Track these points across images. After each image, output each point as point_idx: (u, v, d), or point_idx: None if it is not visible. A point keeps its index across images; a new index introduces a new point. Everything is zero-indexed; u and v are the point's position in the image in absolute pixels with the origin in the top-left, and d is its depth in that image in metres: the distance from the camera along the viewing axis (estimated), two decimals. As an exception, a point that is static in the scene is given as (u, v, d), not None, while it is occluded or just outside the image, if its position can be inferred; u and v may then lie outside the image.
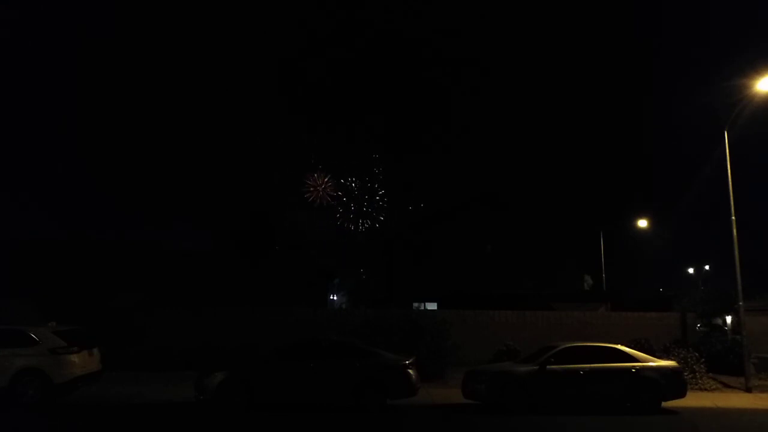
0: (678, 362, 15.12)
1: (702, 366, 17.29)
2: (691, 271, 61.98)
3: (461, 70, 30.17)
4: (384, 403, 13.18)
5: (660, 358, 15.25)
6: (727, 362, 18.97)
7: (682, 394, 13.71)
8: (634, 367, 13.54)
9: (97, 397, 14.33)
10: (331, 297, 44.44)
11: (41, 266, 22.76)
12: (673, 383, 13.58)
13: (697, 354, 17.66)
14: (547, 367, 13.41)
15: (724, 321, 40.13)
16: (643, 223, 39.69)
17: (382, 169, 31.04)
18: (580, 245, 39.20)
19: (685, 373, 15.40)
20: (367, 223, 31.42)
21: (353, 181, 31.61)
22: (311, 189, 31.33)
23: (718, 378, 18.09)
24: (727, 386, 17.53)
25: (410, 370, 13.37)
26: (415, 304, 32.84)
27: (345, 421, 12.36)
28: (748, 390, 16.77)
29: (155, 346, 18.77)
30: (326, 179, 30.88)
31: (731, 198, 17.69)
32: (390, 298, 30.22)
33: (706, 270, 61.40)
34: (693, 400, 14.63)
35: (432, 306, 32.81)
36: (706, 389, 16.79)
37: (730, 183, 17.67)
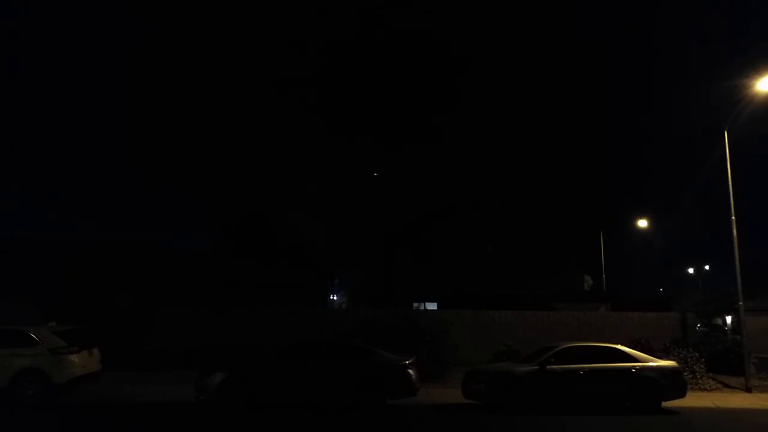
0: (678, 362, 15.11)
1: (702, 366, 17.28)
2: (691, 271, 62.03)
3: (461, 67, 30.09)
4: (384, 403, 13.17)
5: (660, 358, 15.24)
6: (727, 362, 18.96)
7: (682, 394, 13.70)
8: (634, 367, 13.54)
9: (98, 397, 14.34)
10: (332, 297, 44.41)
11: (41, 266, 22.73)
12: (673, 383, 13.57)
13: (697, 354, 17.65)
14: (547, 366, 13.41)
15: (724, 321, 40.14)
16: (643, 223, 39.70)
17: (382, 169, 30.96)
18: (580, 245, 39.18)
19: (685, 373, 15.41)
20: (367, 223, 31.35)
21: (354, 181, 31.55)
22: None
23: (718, 378, 18.10)
24: (727, 386, 17.53)
25: (410, 370, 13.37)
26: (415, 304, 32.83)
27: (345, 421, 12.36)
28: (748, 390, 16.78)
29: (155, 346, 18.81)
30: None
31: (731, 198, 17.69)
32: (390, 298, 30.17)
33: (706, 270, 61.46)
34: (693, 400, 14.63)
35: (432, 306, 32.82)
36: (706, 389, 16.79)
37: (730, 183, 17.68)
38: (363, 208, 31.16)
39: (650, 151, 72.83)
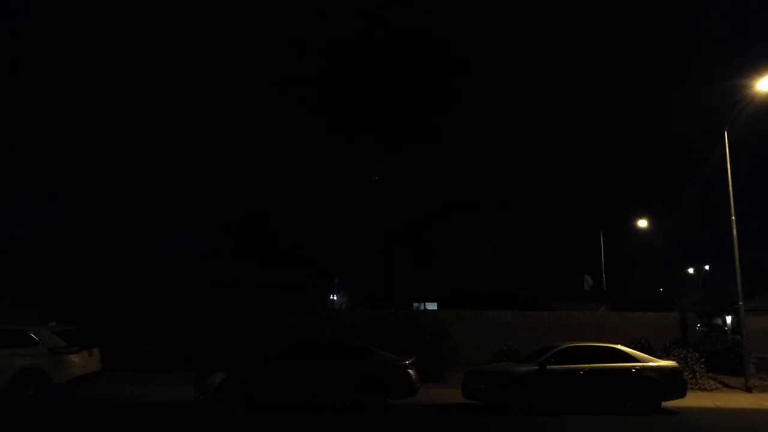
0: (678, 362, 15.12)
1: (702, 366, 17.29)
2: (691, 271, 62.00)
3: (461, 67, 30.08)
4: (384, 403, 13.17)
5: (660, 358, 15.25)
6: (727, 362, 18.96)
7: (682, 394, 13.71)
8: (634, 367, 13.54)
9: (98, 397, 14.34)
10: (332, 297, 44.40)
11: (41, 266, 22.74)
12: (673, 383, 13.57)
13: (697, 354, 17.66)
14: (547, 366, 13.41)
15: (724, 321, 40.15)
16: (643, 223, 39.71)
17: (382, 169, 30.98)
18: (580, 245, 39.16)
19: (685, 373, 15.42)
20: (367, 223, 31.35)
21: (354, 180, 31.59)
22: None
23: (718, 378, 18.11)
24: (727, 386, 17.54)
25: (410, 370, 13.37)
26: (415, 304, 32.82)
27: (345, 421, 12.36)
28: (748, 390, 16.79)
29: (155, 346, 18.82)
30: None
31: (731, 198, 17.70)
32: (390, 298, 30.15)
33: (707, 270, 61.45)
34: (693, 400, 14.64)
35: (432, 306, 32.81)
36: (706, 389, 16.80)
37: (730, 183, 17.68)
38: (363, 208, 31.13)
39: (650, 151, 72.83)
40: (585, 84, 55.76)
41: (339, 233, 31.81)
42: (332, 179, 31.17)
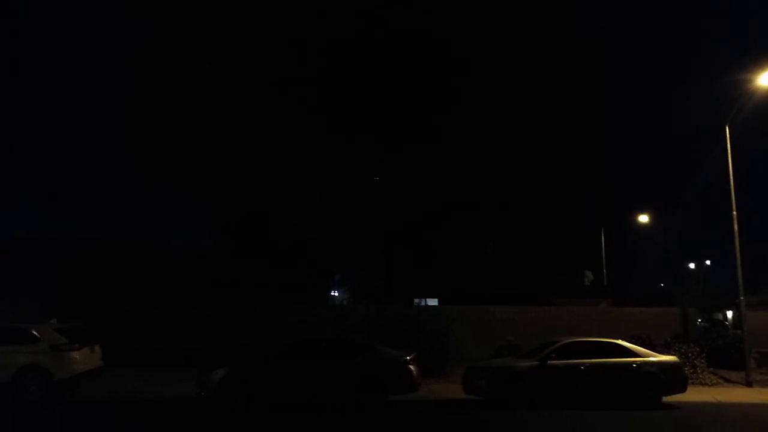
0: (679, 357, 15.15)
1: (703, 361, 17.30)
2: (692, 266, 61.87)
3: (461, 67, 30.11)
4: (385, 399, 13.16)
5: (661, 353, 15.28)
6: (728, 357, 18.98)
7: (682, 389, 13.72)
8: (635, 362, 13.55)
9: (99, 394, 14.36)
10: (333, 293, 44.38)
11: (41, 266, 22.76)
12: (673, 378, 13.60)
13: (698, 349, 17.67)
14: (548, 362, 13.42)
15: (725, 316, 40.12)
16: (644, 219, 39.76)
17: (382, 169, 31.00)
18: (581, 244, 39.17)
19: (686, 368, 15.42)
20: (367, 223, 31.36)
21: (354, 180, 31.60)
22: None
23: (718, 373, 18.11)
24: (727, 381, 17.55)
25: (411, 366, 13.37)
26: (416, 300, 32.81)
27: (346, 418, 12.36)
28: (749, 384, 16.81)
29: (156, 345, 18.85)
30: None
31: (732, 193, 17.72)
32: (390, 298, 30.15)
33: (707, 265, 61.35)
34: (694, 394, 14.65)
35: (433, 302, 32.82)
36: (706, 384, 16.81)
37: (732, 178, 17.71)
38: (363, 208, 31.12)
39: (650, 151, 72.73)
40: (585, 84, 55.71)
41: (339, 233, 31.78)
42: (332, 179, 31.13)
